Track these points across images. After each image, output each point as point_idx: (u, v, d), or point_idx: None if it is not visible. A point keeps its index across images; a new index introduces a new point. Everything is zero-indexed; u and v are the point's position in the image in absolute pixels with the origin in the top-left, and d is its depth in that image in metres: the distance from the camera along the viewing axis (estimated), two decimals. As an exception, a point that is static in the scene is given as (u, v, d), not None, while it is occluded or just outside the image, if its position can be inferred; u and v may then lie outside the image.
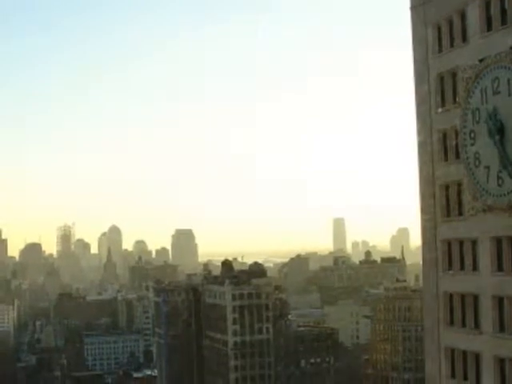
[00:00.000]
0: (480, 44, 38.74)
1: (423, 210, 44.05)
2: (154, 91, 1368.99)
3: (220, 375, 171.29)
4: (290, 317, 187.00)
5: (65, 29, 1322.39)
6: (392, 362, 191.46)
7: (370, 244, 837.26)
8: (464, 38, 40.02)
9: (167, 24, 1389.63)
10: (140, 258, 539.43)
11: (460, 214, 41.03)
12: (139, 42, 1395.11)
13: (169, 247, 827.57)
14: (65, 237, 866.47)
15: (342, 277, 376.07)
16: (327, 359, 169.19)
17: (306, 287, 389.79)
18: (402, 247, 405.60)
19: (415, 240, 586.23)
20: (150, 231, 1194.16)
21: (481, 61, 38.32)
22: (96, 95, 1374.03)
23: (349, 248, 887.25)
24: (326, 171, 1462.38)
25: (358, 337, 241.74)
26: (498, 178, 37.81)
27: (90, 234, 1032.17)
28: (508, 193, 37.34)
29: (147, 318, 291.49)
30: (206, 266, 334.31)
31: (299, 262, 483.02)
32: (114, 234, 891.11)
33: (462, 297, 41.14)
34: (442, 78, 41.80)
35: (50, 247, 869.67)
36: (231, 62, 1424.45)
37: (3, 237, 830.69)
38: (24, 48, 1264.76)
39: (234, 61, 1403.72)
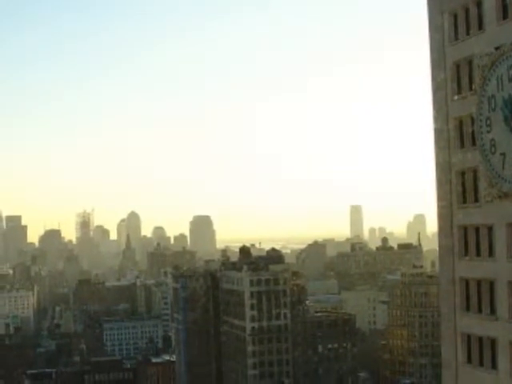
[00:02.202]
0: (496, 32, 38.74)
1: (439, 197, 44.16)
2: (168, 82, 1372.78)
3: (238, 360, 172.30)
4: (307, 302, 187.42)
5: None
6: (409, 347, 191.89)
7: (387, 230, 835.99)
8: (480, 26, 40.04)
9: (183, 16, 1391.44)
10: (158, 244, 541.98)
11: (476, 200, 41.15)
12: (153, 35, 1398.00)
13: (187, 233, 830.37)
14: (84, 223, 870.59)
15: (359, 263, 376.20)
16: (344, 344, 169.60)
17: (323, 273, 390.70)
18: (419, 233, 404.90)
19: (432, 226, 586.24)
20: (168, 218, 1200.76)
21: (497, 48, 38.36)
22: (114, 82, 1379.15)
23: (366, 234, 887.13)
24: (343, 158, 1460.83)
25: (374, 322, 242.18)
26: (514, 164, 37.99)
27: (109, 220, 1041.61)
28: (524, 180, 37.54)
29: (165, 303, 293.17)
30: (223, 252, 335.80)
31: (317, 248, 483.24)
32: (132, 221, 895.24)
33: (478, 283, 41.26)
34: (458, 66, 41.87)
35: (70, 233, 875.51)
36: (250, 55, 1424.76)
37: (23, 223, 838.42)
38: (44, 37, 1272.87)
39: (253, 54, 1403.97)
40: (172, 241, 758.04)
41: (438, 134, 43.84)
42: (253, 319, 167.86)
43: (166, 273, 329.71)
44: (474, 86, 40.60)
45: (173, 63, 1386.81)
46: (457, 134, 42.26)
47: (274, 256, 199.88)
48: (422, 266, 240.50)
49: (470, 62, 40.82)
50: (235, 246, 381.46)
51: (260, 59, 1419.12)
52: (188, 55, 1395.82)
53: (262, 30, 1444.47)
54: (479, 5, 40.16)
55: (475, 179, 41.10)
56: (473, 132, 40.90)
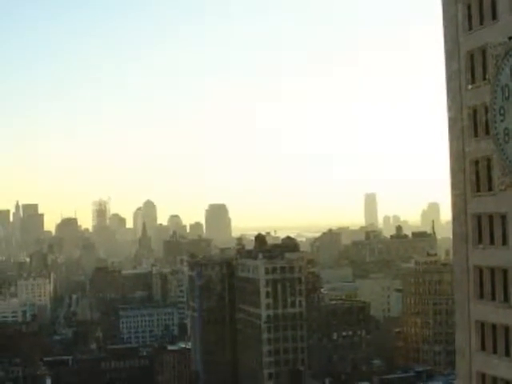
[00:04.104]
0: (509, 21, 38.77)
1: (453, 185, 44.32)
2: (183, 67, 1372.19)
3: (253, 348, 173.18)
4: (322, 290, 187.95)
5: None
6: (423, 334, 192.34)
7: (401, 219, 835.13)
8: (494, 16, 40.12)
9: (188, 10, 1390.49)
10: (174, 232, 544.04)
11: (490, 189, 41.31)
12: (173, 16, 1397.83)
13: (203, 222, 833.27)
14: (100, 211, 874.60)
15: (373, 251, 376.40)
16: (359, 332, 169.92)
17: (338, 261, 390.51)
18: (433, 222, 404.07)
19: (446, 215, 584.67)
20: (184, 206, 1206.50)
21: (510, 38, 38.40)
22: (130, 75, 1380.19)
23: (380, 223, 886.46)
24: (358, 147, 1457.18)
25: (389, 310, 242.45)
26: (527, 153, 38.21)
27: (125, 208, 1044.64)
28: (536, 168, 37.77)
29: (181, 291, 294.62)
30: (239, 240, 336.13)
31: (331, 236, 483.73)
32: (148, 209, 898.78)
33: (492, 271, 41.46)
34: (471, 56, 41.96)
35: (86, 222, 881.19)
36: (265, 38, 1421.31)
37: (40, 212, 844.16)
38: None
39: (269, 35, 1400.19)
40: (188, 229, 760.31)
41: (452, 123, 44.02)
42: (268, 307, 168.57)
43: (181, 261, 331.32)
44: (487, 76, 40.71)
45: (195, 47, 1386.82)
46: (471, 123, 42.43)
47: (289, 244, 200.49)
48: (436, 254, 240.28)
49: (484, 52, 40.90)
50: (251, 235, 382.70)
51: (266, 54, 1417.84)
52: (199, 45, 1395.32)
53: (263, 29, 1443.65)
54: (493, -6, 40.28)
55: (489, 168, 41.25)
56: (486, 121, 41.06)
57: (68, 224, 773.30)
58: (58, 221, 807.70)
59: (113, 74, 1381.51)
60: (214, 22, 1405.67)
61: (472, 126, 42.39)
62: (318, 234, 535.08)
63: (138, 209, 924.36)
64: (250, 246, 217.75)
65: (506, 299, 40.50)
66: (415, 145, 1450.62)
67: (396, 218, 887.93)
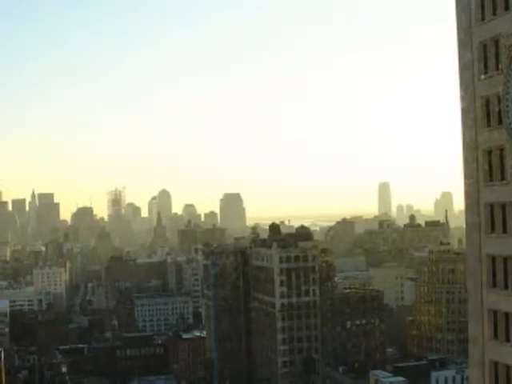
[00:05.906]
0: (522, 12, 39.04)
1: (466, 175, 44.48)
2: (205, 59, 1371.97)
3: (267, 336, 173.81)
4: (336, 279, 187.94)
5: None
6: (436, 323, 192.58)
7: (415, 208, 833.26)
8: (507, 7, 40.15)
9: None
10: (189, 221, 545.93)
11: (502, 178, 41.46)
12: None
13: (217, 211, 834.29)
14: (116, 201, 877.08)
15: (386, 240, 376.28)
16: (372, 320, 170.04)
17: (351, 250, 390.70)
18: (446, 211, 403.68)
19: (459, 204, 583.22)
20: (198, 195, 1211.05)
21: (523, 29, 38.69)
22: (141, 63, 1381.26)
23: (393, 212, 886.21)
24: (371, 136, 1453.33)
25: (402, 299, 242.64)
26: (540, 143, 38.39)
27: (140, 197, 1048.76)
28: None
29: (196, 280, 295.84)
30: (253, 229, 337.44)
31: (345, 225, 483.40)
32: (163, 198, 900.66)
33: (505, 259, 41.62)
34: (484, 46, 42.02)
35: (101, 211, 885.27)
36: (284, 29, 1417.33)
37: (55, 201, 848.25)
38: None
39: (284, 28, 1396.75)
40: (202, 218, 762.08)
41: (465, 113, 44.15)
42: (282, 295, 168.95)
43: (196, 250, 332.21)
44: (500, 66, 40.82)
45: (197, 43, 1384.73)
46: (483, 113, 42.54)
47: (303, 233, 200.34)
48: (449, 243, 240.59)
49: (497, 42, 40.95)
50: (265, 224, 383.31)
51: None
52: (211, 40, 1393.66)
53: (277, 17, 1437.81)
54: (505, -15, 40.32)
55: (501, 157, 41.37)
56: (499, 111, 41.17)
57: (83, 213, 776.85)
58: (74, 210, 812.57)
59: (125, 61, 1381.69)
60: (228, 19, 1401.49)
61: (485, 115, 42.51)
62: (331, 223, 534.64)
63: (153, 198, 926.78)
64: (264, 235, 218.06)
65: (519, 288, 40.75)
66: (429, 134, 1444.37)
67: (409, 207, 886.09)
